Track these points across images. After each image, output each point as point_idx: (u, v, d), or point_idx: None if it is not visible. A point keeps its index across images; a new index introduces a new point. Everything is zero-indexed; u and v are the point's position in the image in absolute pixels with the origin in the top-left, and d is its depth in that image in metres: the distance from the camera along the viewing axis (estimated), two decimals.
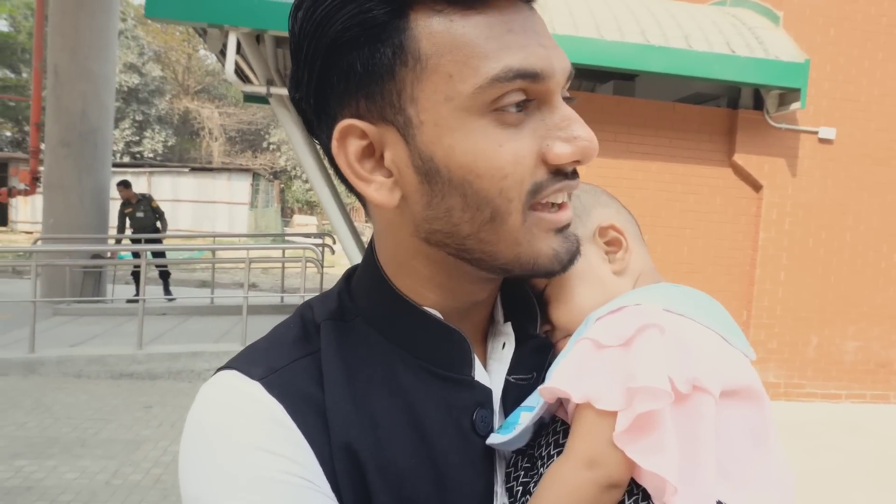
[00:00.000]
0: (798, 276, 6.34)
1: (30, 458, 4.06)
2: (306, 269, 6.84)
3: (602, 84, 7.22)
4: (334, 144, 0.53)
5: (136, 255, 8.73)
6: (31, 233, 19.95)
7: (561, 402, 0.57)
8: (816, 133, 6.23)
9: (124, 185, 9.27)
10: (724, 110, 6.32)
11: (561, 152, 0.51)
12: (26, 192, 10.06)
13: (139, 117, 26.89)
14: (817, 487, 4.28)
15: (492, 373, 0.60)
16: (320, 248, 8.59)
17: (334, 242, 11.00)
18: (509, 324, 0.63)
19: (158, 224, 9.44)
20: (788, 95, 5.89)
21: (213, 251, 9.65)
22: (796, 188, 6.27)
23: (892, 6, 6.26)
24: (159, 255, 9.18)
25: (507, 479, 0.57)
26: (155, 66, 28.02)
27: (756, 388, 0.54)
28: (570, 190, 0.54)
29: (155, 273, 9.48)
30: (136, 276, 8.80)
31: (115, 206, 9.63)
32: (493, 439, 0.56)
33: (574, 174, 0.54)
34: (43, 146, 9.01)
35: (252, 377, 0.54)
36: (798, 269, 6.33)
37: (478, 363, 0.59)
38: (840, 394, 6.46)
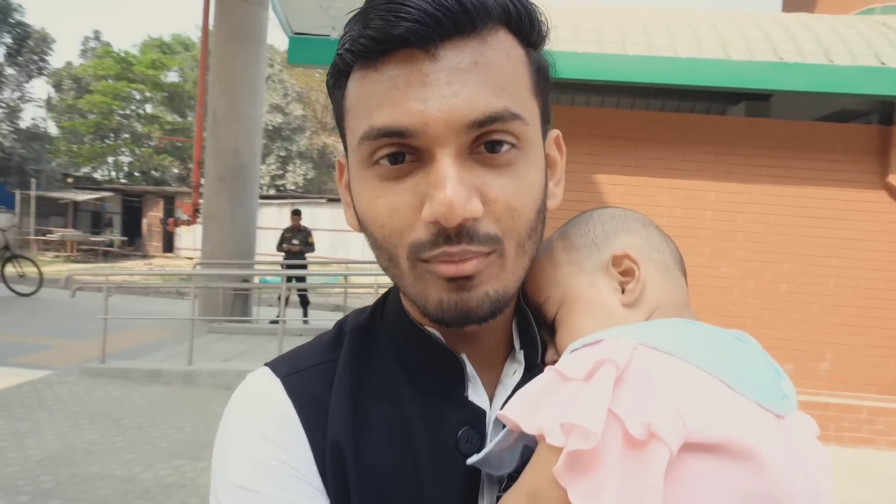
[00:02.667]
0: None
1: (186, 458, 4.55)
2: None
3: (733, 105, 6.90)
4: (337, 174, 0.66)
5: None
6: (192, 258, 22.33)
7: None
8: None
9: (295, 214, 10.31)
10: (875, 127, 5.78)
11: (424, 213, 0.51)
12: (188, 223, 11.35)
13: (283, 153, 29.38)
14: None
15: (497, 397, 0.62)
16: None
17: None
18: (523, 352, 0.64)
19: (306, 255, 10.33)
20: None
21: (346, 277, 10.25)
22: None
23: None
24: (301, 280, 9.94)
25: (497, 502, 0.57)
26: (297, 105, 30.58)
27: (750, 448, 0.47)
28: (449, 258, 0.52)
29: (296, 297, 10.26)
30: (287, 299, 9.61)
31: (265, 234, 10.58)
32: (472, 458, 0.56)
33: (459, 235, 0.51)
34: (203, 181, 10.14)
35: (277, 374, 0.63)
36: None
37: (478, 386, 0.62)
38: None
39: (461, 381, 0.61)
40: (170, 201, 25.86)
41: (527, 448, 0.56)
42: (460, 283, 0.54)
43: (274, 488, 0.56)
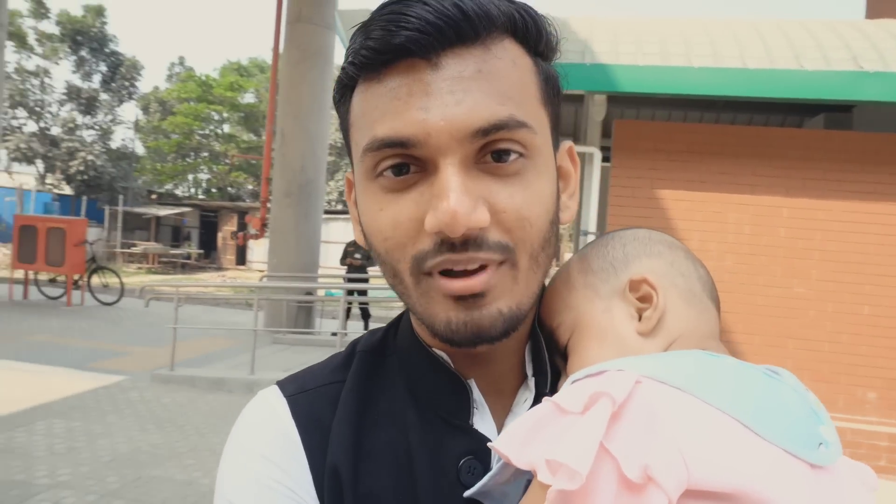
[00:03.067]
0: None
1: None
2: None
3: (811, 118, 6.54)
4: (346, 190, 0.64)
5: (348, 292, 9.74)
6: (262, 271, 23.15)
7: None
8: None
9: None
10: None
11: (427, 224, 0.50)
12: (256, 237, 11.79)
13: (349, 170, 30.10)
14: None
15: (508, 422, 0.60)
16: None
17: None
18: (534, 380, 0.61)
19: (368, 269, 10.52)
20: None
21: None
22: None
23: None
24: (363, 293, 10.11)
25: None
26: None
27: (768, 501, 0.41)
28: (454, 265, 0.50)
29: (358, 310, 10.44)
30: (347, 311, 9.80)
31: (331, 248, 10.83)
32: (470, 490, 0.54)
33: (466, 245, 0.50)
34: (270, 196, 10.51)
35: (284, 394, 0.62)
36: None
37: (485, 412, 0.59)
38: None
39: (466, 408, 0.59)
40: (243, 216, 26.97)
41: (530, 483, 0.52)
42: (469, 301, 0.51)
43: None
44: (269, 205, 10.60)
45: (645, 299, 0.58)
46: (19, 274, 12.92)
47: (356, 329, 9.85)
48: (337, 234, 21.44)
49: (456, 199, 0.48)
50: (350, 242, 10.65)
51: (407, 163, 0.51)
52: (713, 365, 0.49)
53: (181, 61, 42.23)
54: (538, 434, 0.46)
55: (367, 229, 0.56)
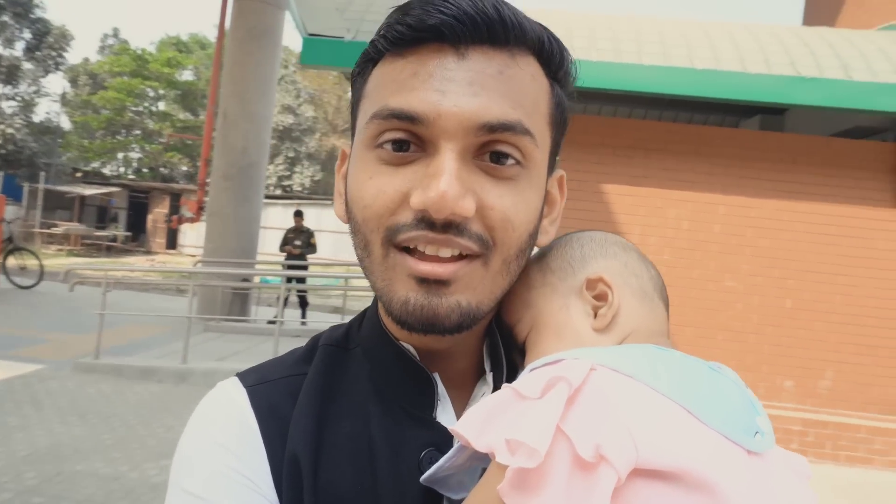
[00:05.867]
0: None
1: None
2: None
3: (747, 119, 6.79)
4: (338, 163, 0.64)
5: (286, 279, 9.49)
6: (194, 256, 22.32)
7: None
8: None
9: (298, 215, 10.30)
10: (890, 145, 5.66)
11: (413, 199, 0.50)
12: (192, 220, 11.31)
13: (291, 154, 29.40)
14: None
15: None
16: None
17: None
18: (492, 374, 0.63)
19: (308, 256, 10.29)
20: None
21: (347, 279, 10.17)
22: None
23: None
24: (301, 281, 9.88)
25: None
26: (308, 107, 30.64)
27: (708, 480, 0.44)
28: (427, 242, 0.51)
29: (296, 298, 10.20)
30: (285, 300, 9.56)
31: (270, 234, 10.54)
32: (425, 475, 0.55)
33: (446, 227, 0.50)
34: (209, 179, 10.11)
35: (244, 384, 0.61)
36: None
37: (447, 406, 0.60)
38: None
39: (431, 401, 0.60)
40: (176, 198, 25.93)
41: (484, 471, 0.53)
42: (432, 285, 0.52)
43: (224, 498, 0.55)
44: (207, 188, 10.17)
45: (600, 297, 0.61)
46: None
47: (294, 317, 9.62)
48: (275, 220, 20.91)
49: (447, 181, 0.49)
50: (290, 229, 10.37)
51: (408, 140, 0.52)
52: (662, 357, 0.52)
53: (115, 33, 39.92)
54: (497, 418, 0.48)
55: (350, 197, 0.56)
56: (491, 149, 0.52)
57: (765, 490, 0.47)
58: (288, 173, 29.62)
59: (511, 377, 0.61)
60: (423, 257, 0.52)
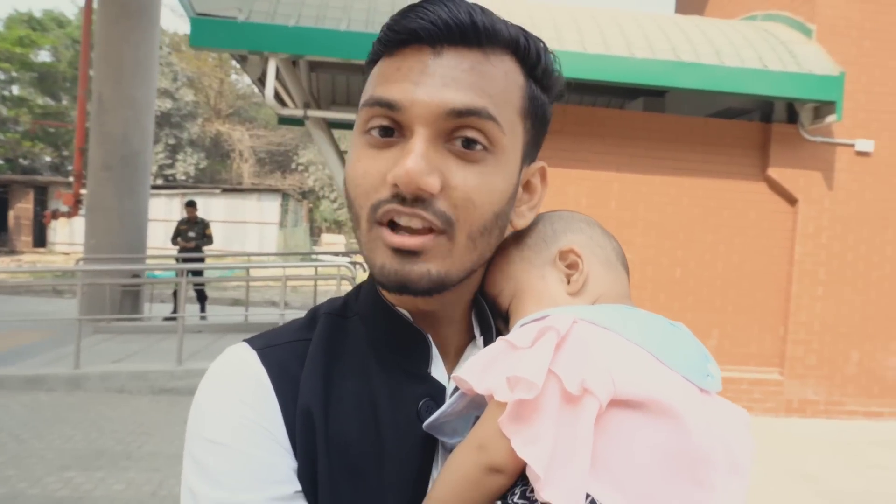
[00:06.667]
0: (836, 291, 6.24)
1: (78, 469, 4.17)
2: (340, 287, 6.94)
3: (631, 101, 7.26)
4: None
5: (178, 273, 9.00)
6: (68, 253, 20.52)
7: None
8: (853, 146, 6.17)
9: (191, 205, 9.79)
10: (757, 124, 6.29)
11: (388, 176, 0.58)
12: (69, 215, 10.41)
13: (172, 141, 27.64)
14: None
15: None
16: (354, 266, 8.71)
17: None
18: (482, 339, 0.72)
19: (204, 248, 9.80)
20: (823, 108, 5.85)
21: (248, 270, 9.84)
22: (833, 201, 6.20)
23: None
24: (198, 274, 9.42)
25: None
26: (188, 91, 28.84)
27: (667, 406, 0.54)
28: (398, 213, 0.59)
29: (192, 292, 9.72)
30: (176, 294, 9.05)
31: (153, 227, 9.91)
32: (427, 420, 0.63)
33: (415, 202, 0.58)
34: (87, 170, 9.33)
35: (252, 347, 0.67)
36: (836, 284, 6.24)
37: (439, 363, 0.68)
38: (883, 411, 6.30)
39: (426, 358, 0.68)
40: (42, 192, 23.65)
41: (478, 419, 0.61)
42: (404, 255, 0.59)
43: (248, 445, 0.60)
44: (84, 179, 9.39)
45: (572, 266, 0.70)
46: None
47: (193, 312, 9.18)
48: (158, 212, 19.67)
49: (414, 160, 0.56)
50: (182, 220, 9.84)
51: (392, 127, 0.60)
52: (630, 313, 0.63)
53: None
54: (494, 364, 0.57)
55: (346, 176, 0.64)
56: (460, 134, 0.59)
57: (713, 421, 0.57)
58: (170, 161, 27.82)
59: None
60: (397, 230, 0.59)
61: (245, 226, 22.18)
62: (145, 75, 9.18)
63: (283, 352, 0.67)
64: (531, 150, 0.68)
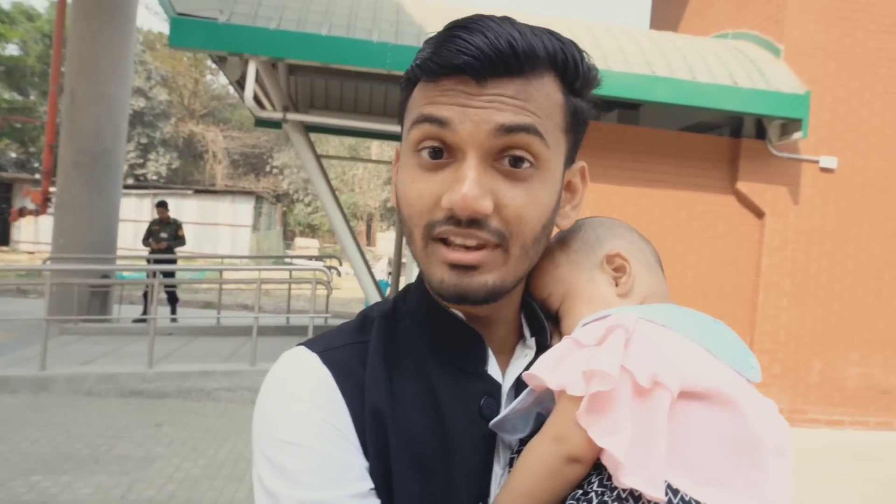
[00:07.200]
0: (800, 302, 6.43)
1: (44, 473, 4.09)
2: (315, 291, 6.92)
3: (607, 113, 7.39)
4: (394, 160, 0.73)
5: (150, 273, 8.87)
6: (32, 252, 20.00)
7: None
8: (818, 162, 6.38)
9: (162, 206, 9.66)
10: (727, 139, 6.47)
11: (443, 201, 0.62)
12: (37, 213, 10.17)
13: (144, 140, 27.16)
14: None
15: (508, 373, 0.72)
16: (329, 271, 8.67)
17: (340, 264, 11.08)
18: (534, 339, 0.75)
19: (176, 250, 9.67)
20: (790, 125, 6.05)
21: (221, 272, 9.72)
22: (798, 215, 6.40)
23: (890, 40, 6.46)
24: (170, 275, 9.29)
25: (511, 463, 0.67)
26: (161, 90, 28.40)
27: (729, 396, 0.59)
28: (454, 234, 0.62)
29: (163, 294, 9.57)
30: (146, 295, 8.91)
31: (124, 227, 9.77)
32: (495, 418, 0.66)
33: (470, 224, 0.61)
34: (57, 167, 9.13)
35: (313, 350, 0.69)
36: (800, 295, 6.43)
37: (493, 361, 0.71)
38: (843, 420, 6.50)
39: (482, 357, 0.70)
40: (7, 189, 23.02)
41: (539, 416, 0.67)
42: (462, 270, 0.63)
43: (324, 444, 0.62)
44: (53, 177, 9.19)
45: (619, 270, 0.74)
46: None
47: (164, 314, 9.04)
48: (129, 212, 19.29)
49: (469, 186, 0.60)
50: (154, 221, 9.70)
51: (441, 148, 0.63)
52: (679, 311, 0.67)
53: None
54: (565, 361, 0.62)
55: (399, 195, 0.68)
56: (508, 153, 0.62)
57: (761, 409, 0.62)
58: (141, 161, 27.33)
59: (548, 340, 0.75)
60: (453, 247, 0.63)
61: (217, 228, 21.89)
62: (120, 72, 9.04)
63: (343, 354, 0.69)
64: (572, 155, 0.71)
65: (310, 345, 0.71)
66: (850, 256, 6.50)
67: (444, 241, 0.63)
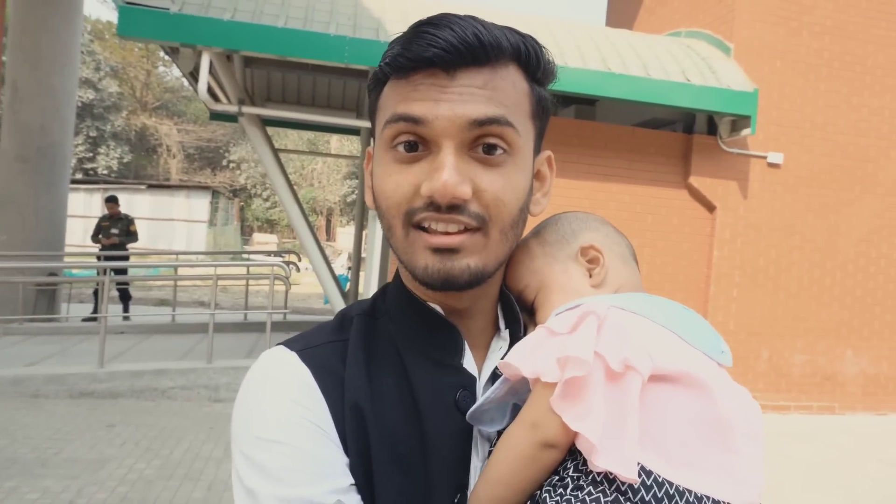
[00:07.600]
0: (749, 293, 6.65)
1: None
2: (273, 287, 6.82)
3: (564, 108, 7.49)
4: (365, 162, 0.75)
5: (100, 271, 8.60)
6: None
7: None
8: (766, 158, 6.61)
9: (112, 201, 9.38)
10: (680, 135, 6.63)
11: (423, 189, 0.64)
12: None
13: (93, 133, 26.25)
14: (769, 494, 4.49)
15: (485, 366, 0.73)
16: (288, 266, 8.56)
17: (300, 260, 10.95)
18: (508, 331, 0.76)
19: (128, 246, 9.42)
20: (740, 122, 6.24)
21: (175, 269, 9.49)
22: (747, 209, 6.61)
23: (833, 41, 6.72)
24: (122, 272, 9.03)
25: (489, 455, 0.68)
26: (112, 81, 27.47)
27: (699, 379, 0.61)
28: (436, 220, 0.64)
29: (115, 292, 9.29)
30: (97, 293, 8.64)
31: (72, 223, 9.46)
32: (470, 409, 0.68)
33: (450, 209, 0.63)
34: None
35: (292, 349, 0.70)
36: (749, 287, 6.65)
37: (469, 354, 0.73)
38: (789, 405, 6.77)
39: (458, 349, 0.72)
40: None
41: (516, 407, 0.68)
42: (445, 253, 0.65)
43: (303, 441, 0.63)
44: None
45: (592, 261, 0.76)
46: None
47: (115, 312, 8.78)
48: (77, 208, 18.66)
49: (448, 173, 0.62)
50: (104, 217, 9.41)
51: (416, 141, 0.64)
52: (651, 300, 0.70)
53: None
54: (539, 349, 0.63)
55: (376, 190, 0.69)
56: (482, 142, 0.64)
57: (732, 393, 0.64)
58: (91, 155, 26.41)
59: (522, 332, 0.76)
60: (434, 233, 0.64)
61: (172, 223, 21.34)
62: (65, 63, 8.72)
63: (322, 352, 0.70)
64: (539, 143, 0.73)
65: (289, 344, 0.72)
66: (796, 248, 6.75)
67: (425, 230, 0.65)
